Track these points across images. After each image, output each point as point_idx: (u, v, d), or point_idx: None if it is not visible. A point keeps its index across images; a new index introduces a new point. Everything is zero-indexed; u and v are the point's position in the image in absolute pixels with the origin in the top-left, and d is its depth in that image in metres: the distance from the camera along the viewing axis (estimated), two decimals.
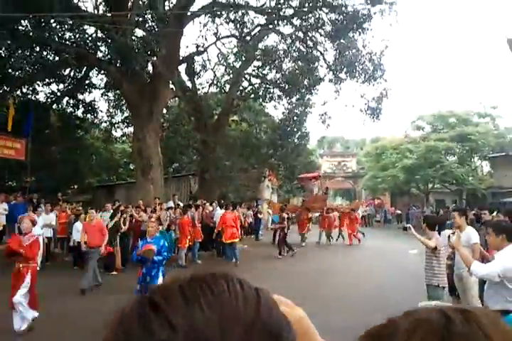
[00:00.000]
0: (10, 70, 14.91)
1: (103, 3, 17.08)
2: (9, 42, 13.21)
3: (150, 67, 16.82)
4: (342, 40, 18.84)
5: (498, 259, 3.99)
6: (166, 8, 16.95)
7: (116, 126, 22.40)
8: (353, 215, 19.45)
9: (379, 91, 20.54)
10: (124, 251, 11.50)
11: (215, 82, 21.55)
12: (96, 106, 20.39)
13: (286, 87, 20.56)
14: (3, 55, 14.34)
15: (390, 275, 10.75)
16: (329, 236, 18.45)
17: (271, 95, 21.89)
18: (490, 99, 65.63)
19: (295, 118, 22.01)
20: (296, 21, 18.76)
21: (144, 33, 15.90)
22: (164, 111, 20.30)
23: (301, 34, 19.18)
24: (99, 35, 16.22)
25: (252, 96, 22.03)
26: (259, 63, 21.03)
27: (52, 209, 12.71)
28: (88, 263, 9.01)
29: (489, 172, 31.87)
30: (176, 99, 21.50)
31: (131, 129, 21.58)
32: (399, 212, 32.05)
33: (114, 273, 10.85)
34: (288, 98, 21.59)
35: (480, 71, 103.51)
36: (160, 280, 6.65)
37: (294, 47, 20.03)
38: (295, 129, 22.46)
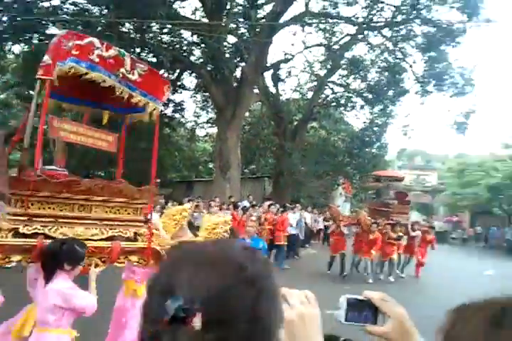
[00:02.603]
0: None
1: (200, 10, 18.09)
2: (115, 43, 14.48)
3: (238, 72, 17.56)
4: (433, 53, 18.53)
5: None
6: (260, 15, 17.63)
7: (200, 125, 23.56)
8: (431, 235, 13.52)
9: (467, 106, 19.97)
10: None
11: (298, 88, 21.96)
12: (184, 106, 21.57)
13: (370, 96, 20.51)
14: None
15: None
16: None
17: (352, 104, 21.88)
18: None
19: (375, 128, 21.85)
20: (387, 32, 18.68)
21: (236, 40, 16.67)
22: (247, 114, 21.05)
23: (390, 45, 19.06)
24: (195, 39, 17.25)
25: (334, 104, 22.15)
26: (344, 72, 21.11)
27: None
28: None
29: None
30: (259, 103, 22.16)
31: (214, 130, 22.60)
32: (479, 230, 30.51)
33: None
34: (370, 108, 21.50)
35: None
36: None
37: (381, 58, 19.95)
38: (374, 139, 22.28)
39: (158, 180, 23.11)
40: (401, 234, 12.14)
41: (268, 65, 18.64)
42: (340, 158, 22.58)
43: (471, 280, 12.65)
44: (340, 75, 21.50)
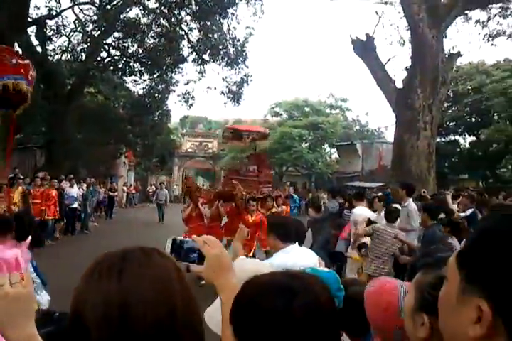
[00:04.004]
0: None
1: None
2: None
3: None
4: (207, 22, 18.94)
5: None
6: None
7: None
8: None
9: (240, 77, 21.21)
10: None
11: (69, 49, 20.02)
12: None
13: (148, 62, 20.03)
14: None
15: None
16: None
17: (131, 69, 21.04)
18: (341, 92, 71.65)
19: (156, 95, 21.61)
20: None
21: None
22: None
23: (165, 10, 18.73)
24: None
25: (111, 68, 20.97)
26: (120, 35, 20.03)
27: None
28: None
29: (336, 159, 34.95)
30: None
31: None
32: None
33: None
34: (149, 74, 21.04)
35: (333, 64, 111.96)
36: None
37: (158, 23, 19.51)
38: (155, 106, 22.06)
39: None
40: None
41: (30, 20, 16.41)
42: (121, 126, 21.77)
43: None
44: (116, 38, 20.34)
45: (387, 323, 1.45)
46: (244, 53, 20.50)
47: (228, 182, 9.53)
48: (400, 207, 6.56)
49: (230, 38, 19.89)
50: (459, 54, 14.44)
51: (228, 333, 1.00)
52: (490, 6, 15.83)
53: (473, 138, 26.23)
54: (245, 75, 21.08)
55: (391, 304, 1.42)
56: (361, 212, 6.94)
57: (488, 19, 16.65)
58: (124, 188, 25.92)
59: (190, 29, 19.90)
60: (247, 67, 20.86)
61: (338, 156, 34.42)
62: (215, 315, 1.76)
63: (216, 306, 1.78)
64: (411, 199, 6.71)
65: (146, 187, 30.24)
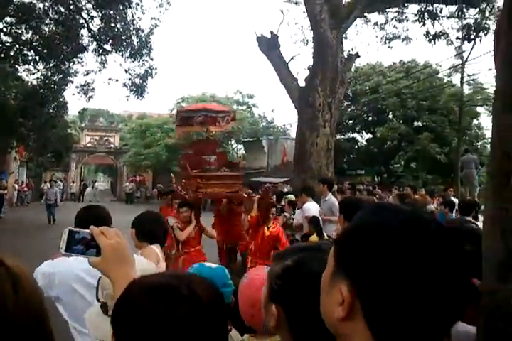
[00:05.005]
0: None
1: None
2: None
3: None
4: (110, 11, 18.09)
5: None
6: None
7: None
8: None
9: (144, 69, 20.53)
10: None
11: None
12: None
13: (44, 51, 18.65)
14: None
15: None
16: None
17: (25, 58, 19.45)
18: (248, 89, 72.70)
19: (52, 86, 20.21)
20: None
21: None
22: None
23: None
24: None
25: (2, 56, 19.21)
26: (13, 20, 18.42)
27: None
28: None
29: (243, 155, 35.33)
30: None
31: None
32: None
33: None
34: (45, 63, 19.61)
35: (241, 61, 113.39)
36: None
37: (55, 9, 18.22)
38: (51, 98, 20.62)
39: None
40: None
41: None
42: (12, 118, 20.08)
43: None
44: (7, 23, 18.66)
45: (255, 320, 1.42)
46: (148, 45, 19.87)
47: (192, 182, 7.34)
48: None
49: (134, 28, 19.17)
50: (357, 55, 15.17)
51: None
52: (387, 9, 16.79)
53: (370, 135, 27.94)
54: (150, 68, 20.44)
55: (258, 301, 1.37)
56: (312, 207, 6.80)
57: (386, 22, 17.62)
58: (16, 186, 24.06)
59: (92, 17, 18.86)
60: (152, 59, 20.26)
61: (244, 152, 34.82)
62: (96, 320, 1.59)
63: (96, 310, 1.62)
64: (331, 193, 7.15)
65: (40, 185, 28.27)
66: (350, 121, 27.62)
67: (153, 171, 34.71)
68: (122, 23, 18.77)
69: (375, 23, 18.02)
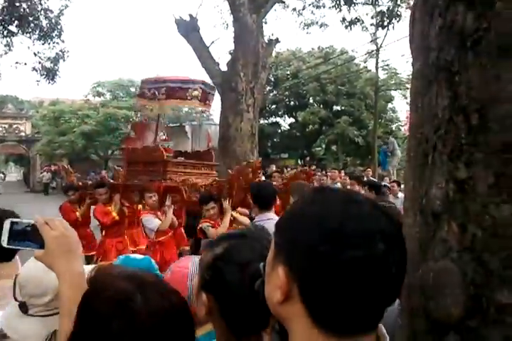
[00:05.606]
0: None
1: None
2: None
3: None
4: None
5: None
6: None
7: None
8: None
9: (55, 52, 19.36)
10: None
11: None
12: None
13: None
14: None
15: None
16: None
17: None
18: (169, 73, 70.71)
19: None
20: None
21: None
22: None
23: None
24: None
25: None
26: None
27: None
28: None
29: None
30: None
31: None
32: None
33: None
34: None
35: (160, 44, 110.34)
36: None
37: None
38: None
39: None
40: None
41: None
42: None
43: None
44: None
45: None
46: (59, 26, 18.70)
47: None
48: None
49: (42, 8, 17.94)
50: (277, 40, 15.25)
51: (66, 327, 0.96)
52: None
53: (292, 120, 28.52)
54: (61, 51, 19.26)
55: (182, 293, 1.36)
56: None
57: (304, 8, 17.85)
58: None
59: None
60: (63, 41, 19.08)
61: (166, 137, 34.12)
62: (15, 321, 1.48)
63: (14, 310, 1.50)
64: None
65: None
66: (273, 106, 27.97)
67: (68, 160, 33.10)
68: (28, 3, 17.55)
69: (294, 9, 18.22)
